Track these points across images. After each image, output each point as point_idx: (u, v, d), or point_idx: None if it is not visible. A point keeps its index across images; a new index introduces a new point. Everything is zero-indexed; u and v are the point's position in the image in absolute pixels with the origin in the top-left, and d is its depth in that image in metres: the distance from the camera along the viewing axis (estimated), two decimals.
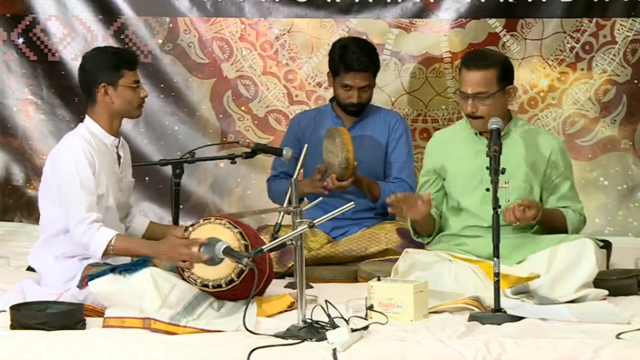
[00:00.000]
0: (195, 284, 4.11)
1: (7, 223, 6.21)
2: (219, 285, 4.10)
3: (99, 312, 4.09)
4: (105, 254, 4.17)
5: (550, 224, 4.61)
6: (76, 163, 4.22)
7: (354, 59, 5.30)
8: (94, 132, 4.35)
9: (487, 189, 4.36)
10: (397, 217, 5.44)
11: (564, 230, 4.65)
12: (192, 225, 4.24)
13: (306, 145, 4.65)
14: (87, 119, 4.38)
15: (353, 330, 3.77)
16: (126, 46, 6.07)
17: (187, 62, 6.16)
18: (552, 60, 6.09)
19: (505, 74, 4.62)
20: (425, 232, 4.76)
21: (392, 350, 3.66)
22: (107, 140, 4.37)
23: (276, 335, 3.79)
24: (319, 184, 5.13)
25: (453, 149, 4.74)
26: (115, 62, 4.34)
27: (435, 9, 6.08)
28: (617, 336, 3.79)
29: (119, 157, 4.44)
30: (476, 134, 4.67)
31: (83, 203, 4.18)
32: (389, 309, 4.08)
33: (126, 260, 4.27)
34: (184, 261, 4.08)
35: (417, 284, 4.13)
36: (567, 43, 6.07)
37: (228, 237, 4.12)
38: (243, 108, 6.19)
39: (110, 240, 4.16)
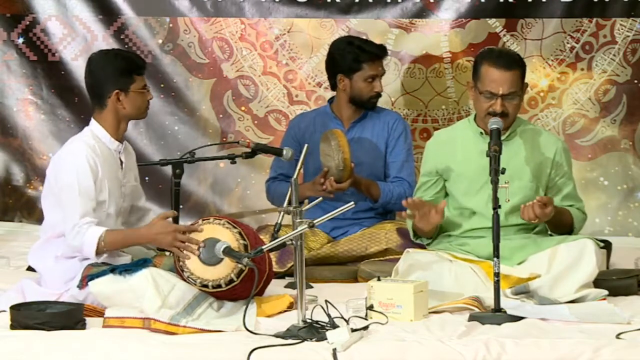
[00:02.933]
0: (195, 284, 4.11)
1: (7, 223, 6.21)
2: (219, 286, 4.10)
3: (99, 312, 4.09)
4: (99, 251, 4.17)
5: (560, 222, 4.62)
6: (77, 170, 4.22)
7: (374, 47, 5.39)
8: (99, 137, 4.35)
9: None
10: (397, 217, 5.45)
11: (571, 228, 4.66)
12: (191, 225, 4.23)
13: (306, 145, 4.65)
14: (93, 122, 4.38)
15: (353, 330, 3.77)
16: (126, 46, 6.07)
17: (187, 62, 6.16)
18: (552, 60, 6.09)
19: (524, 73, 4.68)
20: (426, 235, 4.75)
21: (392, 350, 3.66)
22: (111, 145, 4.38)
23: (276, 335, 3.79)
24: (319, 188, 5.12)
25: (458, 149, 4.73)
26: (127, 67, 4.35)
27: (435, 9, 6.08)
28: (617, 336, 3.79)
29: (121, 162, 4.43)
30: (481, 133, 4.67)
31: (78, 210, 4.18)
32: (389, 309, 4.08)
33: (126, 260, 4.27)
34: (180, 248, 4.07)
35: (417, 284, 4.13)
36: (567, 43, 6.07)
37: (227, 237, 4.12)
38: (243, 108, 6.19)
39: (100, 237, 4.15)
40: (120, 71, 4.34)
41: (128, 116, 4.39)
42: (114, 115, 4.36)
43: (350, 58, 5.32)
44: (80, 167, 4.23)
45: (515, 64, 4.64)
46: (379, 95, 5.39)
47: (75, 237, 4.17)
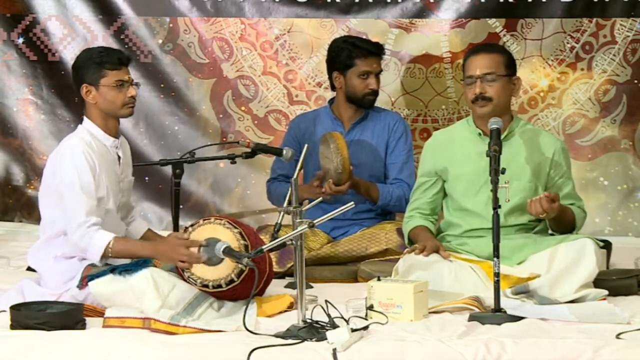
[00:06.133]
0: (195, 284, 4.11)
1: (7, 223, 6.22)
2: (219, 286, 4.10)
3: (99, 312, 4.09)
4: (104, 257, 4.17)
5: (563, 220, 4.62)
6: (77, 166, 4.22)
7: (368, 43, 5.42)
8: (94, 134, 4.35)
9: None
10: (397, 217, 5.45)
11: (573, 226, 4.66)
12: (191, 225, 4.23)
13: (306, 145, 4.65)
14: (85, 119, 4.39)
15: (353, 330, 3.77)
16: (126, 46, 6.07)
17: (187, 62, 6.16)
18: (552, 60, 6.09)
19: (511, 62, 4.67)
20: None
21: (392, 350, 3.66)
22: (106, 141, 4.37)
23: (276, 335, 3.79)
24: (318, 191, 5.12)
25: (456, 150, 4.73)
26: (97, 62, 4.32)
27: (435, 9, 6.08)
28: (617, 336, 3.79)
29: (118, 157, 4.43)
30: (479, 134, 4.67)
31: (83, 207, 4.17)
32: (389, 309, 4.08)
33: (126, 260, 4.27)
34: (182, 262, 4.07)
35: (417, 284, 4.13)
36: (567, 43, 6.07)
37: (228, 237, 4.12)
38: (243, 108, 6.19)
39: (108, 244, 4.15)
40: (90, 65, 4.33)
41: (105, 112, 4.35)
42: (95, 111, 4.36)
43: (344, 55, 5.35)
44: (80, 163, 4.22)
45: (493, 49, 4.71)
46: (374, 92, 5.38)
47: (82, 238, 4.16)
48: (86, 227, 4.15)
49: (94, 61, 4.32)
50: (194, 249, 4.06)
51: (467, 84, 4.61)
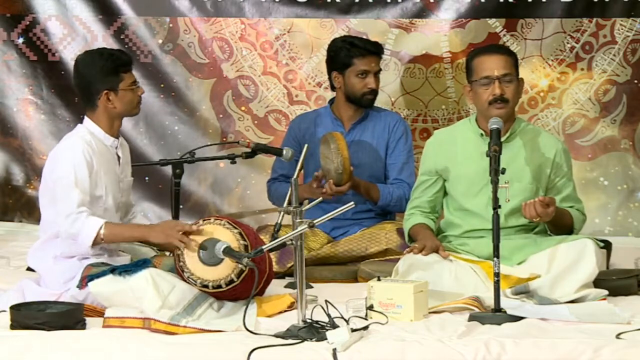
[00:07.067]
0: (195, 285, 4.11)
1: (7, 223, 6.22)
2: (219, 286, 4.10)
3: (99, 312, 4.09)
4: (95, 242, 4.16)
5: (560, 222, 4.61)
6: (73, 162, 4.23)
7: (367, 43, 5.43)
8: (94, 134, 4.36)
9: None
10: (397, 217, 5.45)
11: (571, 229, 4.66)
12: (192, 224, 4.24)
13: (306, 145, 4.65)
14: (87, 120, 4.39)
15: (353, 330, 3.77)
16: (126, 46, 6.07)
17: (187, 62, 6.16)
18: (552, 60, 6.09)
19: (517, 63, 4.68)
20: None
21: (392, 350, 3.66)
22: (107, 141, 4.38)
23: (276, 335, 3.79)
24: (317, 191, 5.12)
25: (457, 149, 4.73)
26: (113, 66, 4.34)
27: (435, 9, 6.08)
28: (617, 336, 3.79)
29: (118, 157, 4.44)
30: (482, 134, 4.67)
31: (75, 199, 4.18)
32: (389, 309, 4.08)
33: (126, 260, 4.27)
34: (179, 241, 4.07)
35: (417, 284, 4.13)
36: (567, 43, 6.07)
37: (227, 237, 4.12)
38: (243, 108, 6.19)
39: (100, 228, 4.15)
40: (107, 71, 4.34)
41: (120, 114, 4.40)
42: (106, 114, 4.37)
43: (343, 54, 5.36)
44: (77, 160, 4.23)
45: (504, 50, 4.71)
46: (373, 92, 5.38)
47: (72, 225, 4.16)
48: (76, 214, 4.15)
49: (110, 66, 4.34)
50: (193, 227, 4.08)
51: (483, 84, 4.58)
